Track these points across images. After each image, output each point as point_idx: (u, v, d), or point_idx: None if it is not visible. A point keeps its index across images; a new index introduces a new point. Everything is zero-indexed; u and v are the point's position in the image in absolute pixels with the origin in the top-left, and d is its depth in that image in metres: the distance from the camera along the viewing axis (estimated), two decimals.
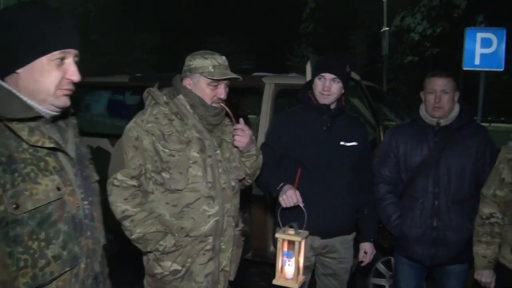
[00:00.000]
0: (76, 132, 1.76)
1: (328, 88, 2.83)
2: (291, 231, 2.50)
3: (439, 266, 3.05)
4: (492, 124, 21.87)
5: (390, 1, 20.13)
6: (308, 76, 3.63)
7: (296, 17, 28.28)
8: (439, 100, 2.90)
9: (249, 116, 7.03)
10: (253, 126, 4.84)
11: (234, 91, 5.57)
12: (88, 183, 1.70)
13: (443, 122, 2.96)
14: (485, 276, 2.73)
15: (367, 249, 3.07)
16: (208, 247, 2.44)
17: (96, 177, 1.79)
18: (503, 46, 5.88)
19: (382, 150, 3.20)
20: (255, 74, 5.13)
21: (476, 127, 3.07)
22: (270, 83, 4.59)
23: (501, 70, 6.07)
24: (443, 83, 2.91)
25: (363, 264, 3.14)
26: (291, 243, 2.49)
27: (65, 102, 1.57)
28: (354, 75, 4.38)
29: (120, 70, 22.90)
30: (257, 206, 4.50)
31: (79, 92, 5.58)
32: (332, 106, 2.91)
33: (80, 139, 1.76)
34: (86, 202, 1.64)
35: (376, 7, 21.43)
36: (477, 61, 5.94)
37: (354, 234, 3.07)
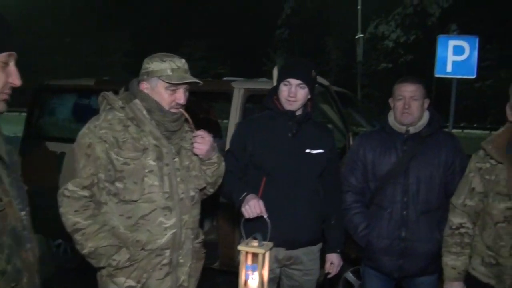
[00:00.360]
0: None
1: (293, 94, 2.74)
2: (255, 243, 2.40)
3: (408, 277, 2.98)
4: (465, 131, 22.24)
5: (365, 8, 20.28)
6: (275, 81, 3.55)
7: (273, 23, 28.32)
8: (408, 106, 2.84)
9: (225, 121, 6.93)
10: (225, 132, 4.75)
11: (203, 96, 5.53)
12: (23, 192, 1.60)
13: (412, 130, 2.89)
14: (455, 287, 2.65)
15: (333, 260, 2.99)
16: (165, 261, 2.30)
17: (26, 187, 1.68)
18: (476, 54, 5.91)
19: (349, 158, 3.13)
20: (225, 78, 5.03)
21: (446, 135, 3.02)
22: (239, 88, 4.49)
23: (474, 77, 6.10)
24: (412, 90, 2.86)
25: (329, 276, 3.05)
26: (255, 255, 2.38)
27: (3, 107, 1.49)
28: (323, 81, 4.31)
29: (95, 73, 22.57)
30: (225, 213, 4.39)
31: (44, 95, 5.53)
32: (298, 112, 2.81)
33: (11, 147, 1.63)
34: (23, 213, 1.55)
35: (351, 14, 21.58)
36: (449, 68, 5.95)
37: (320, 244, 2.98)
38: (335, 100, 4.26)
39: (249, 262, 2.40)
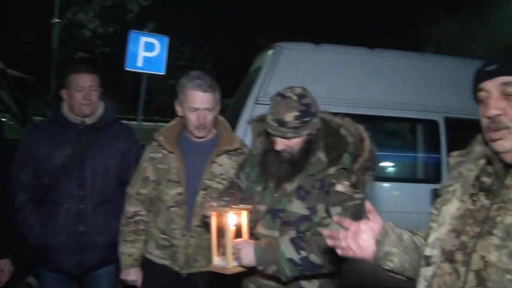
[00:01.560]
0: None
1: None
2: None
3: (87, 272, 2.91)
4: (159, 123, 23.37)
5: None
6: None
7: None
8: (89, 97, 2.79)
9: None
10: None
11: None
12: None
13: (88, 121, 2.85)
14: (132, 274, 2.73)
15: (3, 267, 2.72)
16: None
17: None
18: (165, 52, 6.24)
19: (19, 153, 2.87)
20: None
21: (121, 126, 3.07)
22: None
23: (163, 73, 6.41)
24: (91, 79, 2.82)
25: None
26: None
27: None
28: None
29: None
30: None
31: None
32: None
33: None
34: None
35: None
36: (139, 63, 6.12)
37: None
38: (11, 86, 3.85)
39: None
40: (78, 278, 2.97)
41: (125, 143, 2.93)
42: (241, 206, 2.15)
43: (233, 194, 2.29)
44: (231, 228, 2.08)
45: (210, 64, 23.32)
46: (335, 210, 2.06)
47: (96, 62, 21.02)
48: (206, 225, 2.41)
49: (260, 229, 2.18)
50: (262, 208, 2.18)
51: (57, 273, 2.88)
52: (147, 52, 6.16)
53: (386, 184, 4.37)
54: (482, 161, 1.40)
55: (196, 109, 2.56)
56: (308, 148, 2.11)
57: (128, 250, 2.69)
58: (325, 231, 1.59)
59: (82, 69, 2.86)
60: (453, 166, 1.49)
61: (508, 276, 1.18)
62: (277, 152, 2.11)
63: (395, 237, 1.51)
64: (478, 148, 1.42)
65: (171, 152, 2.63)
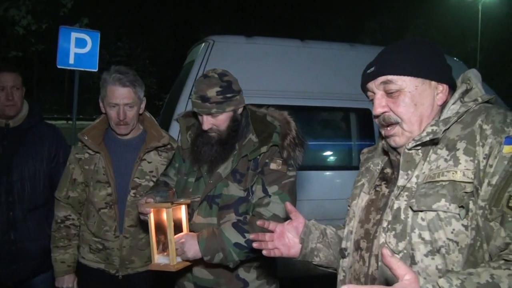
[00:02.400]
0: None
1: None
2: None
3: (22, 282, 2.81)
4: None
5: None
6: None
7: None
8: (12, 97, 2.68)
9: None
10: None
11: None
12: None
13: (12, 123, 2.74)
14: (66, 281, 2.63)
15: None
16: None
17: None
18: (97, 48, 6.04)
19: None
20: None
21: (48, 127, 2.96)
22: None
23: (96, 70, 6.23)
24: (13, 78, 2.72)
25: None
26: None
27: None
28: None
29: None
30: None
31: None
32: None
33: None
34: None
35: None
36: (71, 60, 5.91)
37: None
38: None
39: None
40: None
41: (52, 145, 2.84)
42: (181, 200, 2.13)
43: (171, 189, 2.28)
44: (172, 224, 2.05)
45: (148, 60, 22.95)
46: (272, 189, 2.10)
47: (31, 60, 20.27)
48: (142, 223, 2.37)
49: (197, 219, 2.16)
50: (198, 198, 2.17)
51: None
52: (78, 48, 5.96)
53: (325, 173, 4.46)
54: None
55: (116, 105, 2.48)
56: (235, 127, 2.14)
57: (61, 256, 2.60)
58: (250, 236, 1.64)
59: (3, 67, 2.75)
60: (362, 163, 1.61)
61: (397, 257, 1.25)
62: (206, 134, 2.12)
63: (318, 234, 1.62)
64: (381, 143, 1.50)
65: (97, 152, 2.56)
